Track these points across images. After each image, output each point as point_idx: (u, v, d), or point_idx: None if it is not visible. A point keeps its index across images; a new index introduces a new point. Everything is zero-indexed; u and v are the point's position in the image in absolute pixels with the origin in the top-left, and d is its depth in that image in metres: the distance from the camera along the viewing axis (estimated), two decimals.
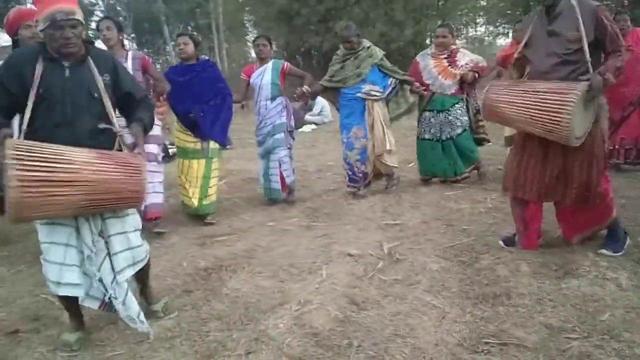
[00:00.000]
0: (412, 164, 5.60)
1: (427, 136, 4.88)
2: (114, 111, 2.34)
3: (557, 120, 2.58)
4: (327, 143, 5.23)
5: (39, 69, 2.17)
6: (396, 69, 4.79)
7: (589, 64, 2.66)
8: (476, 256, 3.09)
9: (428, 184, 4.99)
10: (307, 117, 10.65)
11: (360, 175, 4.72)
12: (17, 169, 1.90)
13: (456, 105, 4.78)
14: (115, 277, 2.30)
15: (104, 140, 2.29)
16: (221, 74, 4.60)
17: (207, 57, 4.81)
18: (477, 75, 4.72)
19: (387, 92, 4.69)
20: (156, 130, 3.92)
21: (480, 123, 4.99)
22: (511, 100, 2.80)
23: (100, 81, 2.28)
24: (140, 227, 2.48)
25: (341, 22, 17.57)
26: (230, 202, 5.00)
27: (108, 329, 2.55)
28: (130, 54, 4.03)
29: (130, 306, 2.33)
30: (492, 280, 2.74)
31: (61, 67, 2.22)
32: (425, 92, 4.74)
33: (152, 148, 3.98)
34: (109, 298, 2.31)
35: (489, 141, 5.13)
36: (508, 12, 19.57)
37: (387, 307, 2.55)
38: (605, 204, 2.91)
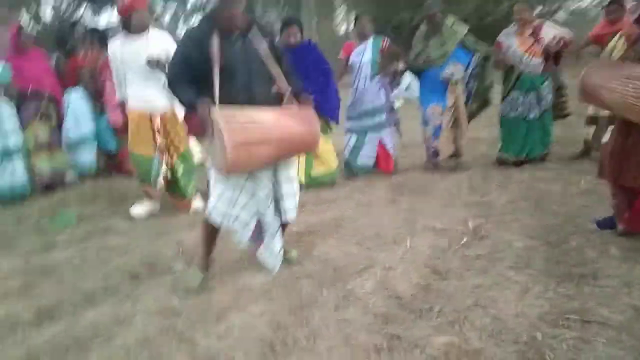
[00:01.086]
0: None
1: (512, 114, 4.76)
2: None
3: None
4: (415, 119, 5.26)
5: (215, 42, 2.49)
6: (481, 43, 4.67)
7: None
8: (564, 237, 3.08)
9: (516, 165, 4.90)
10: (395, 92, 10.65)
11: (432, 151, 4.79)
12: (229, 134, 2.27)
13: (545, 83, 4.66)
14: (280, 214, 2.78)
15: (274, 101, 2.64)
16: (323, 55, 4.68)
17: (308, 39, 4.92)
18: (562, 45, 4.48)
19: (470, 70, 4.63)
20: None
21: (564, 99, 4.85)
22: (608, 85, 2.68)
23: (264, 49, 2.61)
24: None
25: None
26: None
27: (211, 278, 2.90)
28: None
29: (277, 240, 2.77)
30: (579, 262, 2.74)
31: (233, 39, 2.58)
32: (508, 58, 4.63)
33: None
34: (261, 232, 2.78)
35: (569, 114, 5.02)
36: None
37: (469, 280, 2.65)
38: None
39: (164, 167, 4.14)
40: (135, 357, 2.16)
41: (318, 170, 4.66)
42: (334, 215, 3.84)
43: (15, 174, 4.88)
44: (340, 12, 30.21)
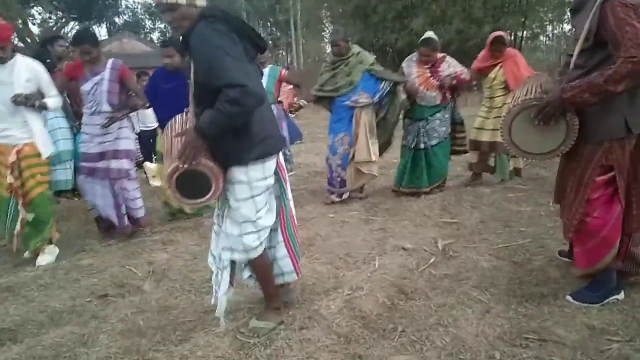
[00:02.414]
0: None
1: (403, 142, 4.89)
2: None
3: (500, 135, 2.48)
4: (395, 139, 5.33)
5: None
6: (388, 72, 4.67)
7: (583, 70, 2.24)
8: (529, 257, 3.14)
9: (489, 186, 4.99)
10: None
11: (338, 180, 4.71)
12: None
13: (437, 115, 4.72)
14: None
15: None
16: None
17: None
18: (455, 83, 4.62)
19: (377, 97, 4.54)
20: (128, 144, 4.01)
21: (461, 135, 4.98)
22: (516, 94, 2.63)
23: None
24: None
25: (417, 19, 17.51)
26: (296, 193, 5.27)
27: (178, 297, 2.89)
28: (109, 62, 3.95)
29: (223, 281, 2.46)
30: (542, 281, 2.79)
31: None
32: (420, 88, 4.64)
33: (124, 163, 3.99)
34: None
35: (466, 152, 5.10)
36: None
37: (433, 299, 2.69)
38: (594, 243, 2.39)
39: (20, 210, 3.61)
40: None
41: None
42: (307, 234, 3.87)
43: None
44: (327, 33, 30.65)
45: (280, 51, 36.49)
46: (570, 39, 2.40)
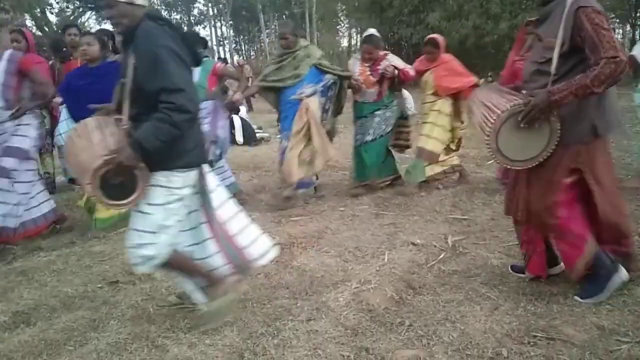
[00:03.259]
0: (491, 162, 5.55)
1: (354, 142, 4.86)
2: None
3: (485, 138, 2.37)
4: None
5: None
6: (335, 67, 4.59)
7: (555, 76, 2.26)
8: None
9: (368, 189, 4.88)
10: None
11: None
12: None
13: (376, 112, 4.68)
14: None
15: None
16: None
17: (114, 59, 4.15)
18: (397, 73, 4.54)
19: (321, 85, 4.43)
20: (22, 143, 3.70)
21: (406, 129, 4.93)
22: (474, 109, 2.63)
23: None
24: None
25: (434, 14, 17.38)
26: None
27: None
28: (6, 54, 3.74)
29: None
30: (551, 280, 2.77)
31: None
32: (362, 86, 4.61)
33: (9, 162, 3.64)
34: None
35: (409, 147, 5.05)
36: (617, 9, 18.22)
37: (442, 295, 2.68)
38: (568, 242, 2.47)
39: None
40: None
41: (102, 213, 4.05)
42: (317, 227, 3.88)
43: None
44: (343, 27, 30.58)
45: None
46: (536, 48, 2.39)
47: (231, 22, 36.66)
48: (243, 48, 42.47)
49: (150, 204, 2.19)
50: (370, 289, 2.75)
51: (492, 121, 2.30)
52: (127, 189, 2.12)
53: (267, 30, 30.97)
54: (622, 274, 2.49)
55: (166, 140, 2.07)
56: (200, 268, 2.44)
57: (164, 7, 40.35)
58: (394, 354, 2.15)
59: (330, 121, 4.67)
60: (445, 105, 4.74)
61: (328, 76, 4.49)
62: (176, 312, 2.63)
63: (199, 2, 37.77)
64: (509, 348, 2.15)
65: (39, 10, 20.42)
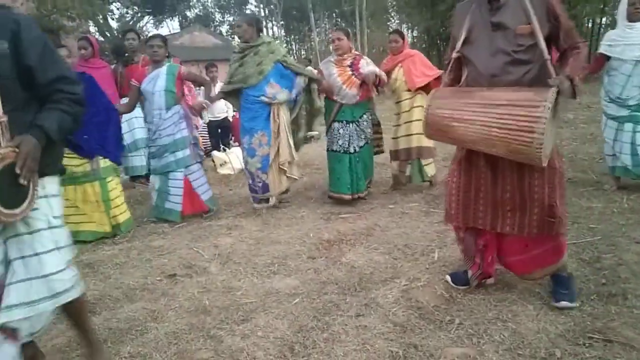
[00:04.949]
0: None
1: (334, 147, 4.56)
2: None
3: (526, 141, 2.07)
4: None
5: None
6: (302, 67, 4.40)
7: (548, 63, 2.15)
8: (598, 255, 3.00)
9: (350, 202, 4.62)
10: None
11: (260, 185, 4.48)
12: None
13: (364, 116, 4.56)
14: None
15: None
16: (99, 87, 4.04)
17: (83, 71, 4.25)
18: (378, 81, 4.40)
19: (294, 92, 4.34)
20: None
21: (378, 136, 4.77)
22: (463, 116, 2.24)
23: None
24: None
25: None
26: None
27: (241, 279, 3.03)
28: None
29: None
30: (610, 280, 2.67)
31: None
32: (330, 95, 4.47)
33: None
34: None
35: (382, 152, 4.91)
36: None
37: (493, 294, 2.64)
38: (562, 237, 2.44)
39: None
40: (164, 351, 2.30)
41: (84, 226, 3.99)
42: (366, 224, 3.90)
43: None
44: (393, 23, 30.28)
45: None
46: (499, 39, 2.26)
47: (282, 22, 37.09)
48: (294, 47, 42.92)
49: (56, 217, 1.88)
50: (420, 286, 2.75)
51: (539, 113, 2.02)
52: (19, 198, 1.68)
53: (317, 29, 31.12)
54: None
55: (65, 135, 1.86)
56: None
57: (217, 10, 41.41)
58: (443, 352, 2.14)
59: (299, 126, 4.58)
60: (423, 99, 4.61)
61: (299, 80, 4.37)
62: (230, 304, 2.72)
63: (251, 4, 38.45)
64: (562, 349, 2.10)
65: (101, 17, 21.44)
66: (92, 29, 20.75)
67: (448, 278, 2.76)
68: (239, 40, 4.44)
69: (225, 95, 4.59)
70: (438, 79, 4.49)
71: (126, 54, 5.65)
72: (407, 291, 2.71)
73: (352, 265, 3.13)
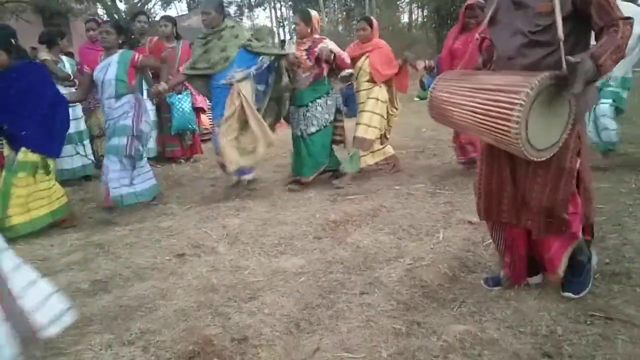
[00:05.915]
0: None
1: (292, 131, 4.62)
2: None
3: (504, 130, 1.91)
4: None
5: None
6: (268, 47, 4.25)
7: (561, 44, 1.91)
8: (603, 235, 3.00)
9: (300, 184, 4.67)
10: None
11: (221, 164, 4.41)
12: None
13: (317, 101, 4.45)
14: None
15: None
16: (49, 77, 4.01)
17: (29, 60, 4.17)
18: (333, 57, 4.31)
19: (254, 68, 4.15)
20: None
21: (338, 124, 4.65)
22: (457, 100, 2.13)
23: None
24: None
25: None
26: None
27: (249, 259, 3.09)
28: None
29: None
30: (614, 260, 2.68)
31: None
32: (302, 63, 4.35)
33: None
34: None
35: (342, 142, 4.78)
36: None
37: (497, 272, 2.67)
38: (564, 239, 2.26)
39: None
40: (173, 327, 2.36)
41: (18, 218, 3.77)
42: (372, 205, 3.93)
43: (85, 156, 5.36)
44: (403, 2, 29.83)
45: (354, 22, 36.02)
46: (518, 18, 2.08)
47: (290, 2, 36.70)
48: None
49: None
50: (424, 265, 2.78)
51: (522, 101, 1.83)
52: None
53: (325, 10, 30.77)
54: (594, 256, 2.46)
55: None
56: None
57: None
58: (446, 329, 2.18)
59: (270, 108, 4.39)
60: (382, 92, 4.62)
61: (264, 58, 4.20)
62: (238, 283, 2.78)
63: None
64: (564, 326, 2.13)
65: None
66: (100, 11, 20.70)
67: (482, 282, 2.57)
68: (204, 25, 4.29)
69: (189, 79, 4.47)
70: (400, 72, 4.60)
71: (133, 37, 5.67)
72: (411, 270, 2.74)
73: (357, 245, 3.17)
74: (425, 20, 22.84)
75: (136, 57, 4.16)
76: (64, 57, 5.37)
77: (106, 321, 2.48)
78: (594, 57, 1.85)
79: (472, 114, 2.05)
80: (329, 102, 4.52)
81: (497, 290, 2.47)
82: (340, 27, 34.61)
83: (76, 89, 4.95)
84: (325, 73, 4.47)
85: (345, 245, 3.19)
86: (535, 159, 1.99)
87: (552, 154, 2.01)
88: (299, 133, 4.53)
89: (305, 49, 4.39)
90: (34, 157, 3.78)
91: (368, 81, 4.62)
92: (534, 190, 2.16)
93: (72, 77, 5.23)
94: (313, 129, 4.48)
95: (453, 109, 2.16)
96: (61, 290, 2.54)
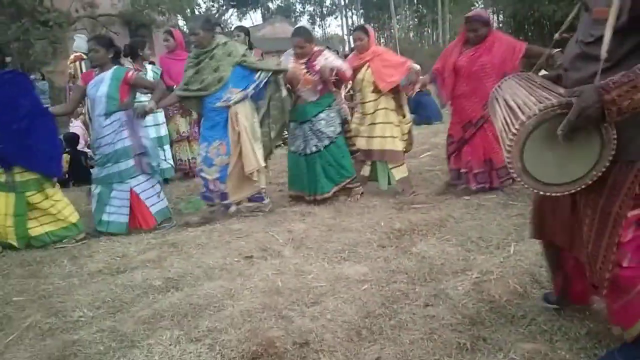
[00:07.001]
0: None
1: (292, 148, 4.44)
2: None
3: (508, 161, 1.71)
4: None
5: None
6: (265, 62, 4.09)
7: (601, 63, 1.55)
8: None
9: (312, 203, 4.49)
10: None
11: (217, 193, 4.24)
12: None
13: (321, 115, 4.29)
14: None
15: None
16: (30, 85, 3.88)
17: (9, 69, 4.10)
18: (335, 75, 4.17)
19: (251, 87, 4.02)
20: None
21: (349, 134, 4.40)
22: (496, 108, 1.92)
23: None
24: None
25: None
26: (431, 174, 5.25)
27: (312, 264, 3.12)
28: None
29: None
30: None
31: None
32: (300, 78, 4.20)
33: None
34: None
35: (357, 151, 4.58)
36: None
37: None
38: (629, 302, 1.76)
39: None
40: (238, 327, 2.44)
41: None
42: (439, 215, 3.85)
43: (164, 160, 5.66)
44: (477, 8, 29.09)
45: (426, 29, 35.59)
46: (583, 22, 1.74)
47: (362, 10, 36.88)
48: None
49: None
50: (493, 279, 2.69)
51: (515, 131, 1.62)
52: None
53: (397, 17, 30.59)
54: None
55: None
56: None
57: (298, 0, 41.95)
58: (513, 346, 2.10)
59: (275, 128, 4.31)
60: (389, 101, 4.42)
61: (261, 75, 4.08)
62: (301, 287, 2.83)
63: None
64: None
65: (189, 10, 22.52)
66: (181, 22, 21.85)
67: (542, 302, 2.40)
68: (194, 46, 4.18)
69: (182, 100, 4.37)
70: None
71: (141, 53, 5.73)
72: (479, 284, 2.66)
73: (422, 255, 3.11)
74: (501, 25, 22.12)
75: (130, 74, 4.05)
76: (148, 66, 5.72)
77: (176, 318, 2.60)
78: (603, 90, 1.50)
79: (498, 128, 1.86)
80: (331, 115, 4.39)
81: (571, 309, 2.34)
82: (411, 34, 34.37)
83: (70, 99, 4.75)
84: (331, 87, 4.43)
85: (410, 255, 3.15)
86: (542, 193, 1.73)
87: (572, 190, 1.70)
88: (308, 151, 4.39)
89: (304, 62, 4.30)
90: (31, 174, 3.84)
91: (373, 91, 4.47)
92: (585, 223, 1.81)
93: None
94: (325, 142, 4.36)
95: (493, 115, 2.00)
96: (136, 286, 2.71)
